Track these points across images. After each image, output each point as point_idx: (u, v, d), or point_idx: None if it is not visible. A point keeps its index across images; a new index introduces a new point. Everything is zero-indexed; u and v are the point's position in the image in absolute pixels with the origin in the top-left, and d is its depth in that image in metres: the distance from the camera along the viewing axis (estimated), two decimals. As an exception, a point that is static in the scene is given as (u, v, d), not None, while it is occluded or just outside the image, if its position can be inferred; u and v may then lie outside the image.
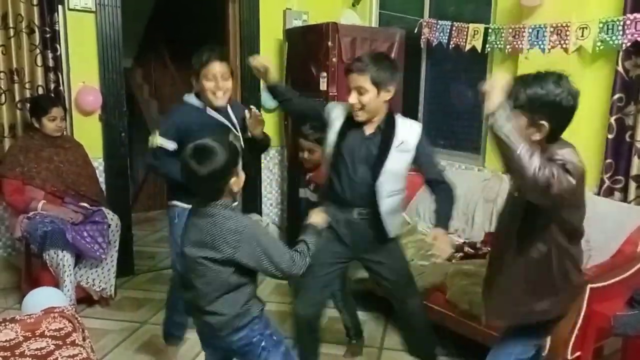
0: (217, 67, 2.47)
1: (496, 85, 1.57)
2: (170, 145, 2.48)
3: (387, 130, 2.25)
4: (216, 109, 2.56)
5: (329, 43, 3.83)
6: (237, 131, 2.62)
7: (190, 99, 2.60)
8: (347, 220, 2.35)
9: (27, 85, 3.51)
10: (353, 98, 2.19)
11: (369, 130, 2.28)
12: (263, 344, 1.83)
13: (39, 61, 3.52)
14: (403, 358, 2.92)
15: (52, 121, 3.31)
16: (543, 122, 1.67)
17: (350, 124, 2.28)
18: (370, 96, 2.18)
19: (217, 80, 2.49)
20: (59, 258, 3.14)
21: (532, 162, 1.53)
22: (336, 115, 2.34)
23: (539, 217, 1.73)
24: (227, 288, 1.77)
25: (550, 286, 1.81)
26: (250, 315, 1.81)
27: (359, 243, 2.38)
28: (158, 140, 2.49)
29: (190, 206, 2.22)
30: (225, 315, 1.78)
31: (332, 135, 2.32)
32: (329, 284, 2.44)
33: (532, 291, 1.81)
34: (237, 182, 1.78)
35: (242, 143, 2.61)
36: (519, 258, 1.80)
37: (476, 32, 3.50)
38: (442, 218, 2.28)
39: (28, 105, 3.44)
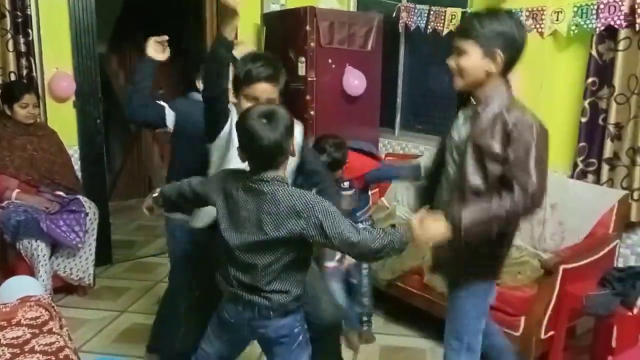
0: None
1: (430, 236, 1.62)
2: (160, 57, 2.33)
3: None
4: None
5: (307, 27, 3.80)
6: None
7: (195, 95, 2.51)
8: None
9: (-2, 72, 3.44)
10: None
11: None
12: (300, 338, 1.76)
13: (10, 46, 3.43)
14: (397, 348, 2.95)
15: (24, 108, 3.24)
16: (499, 51, 1.71)
17: None
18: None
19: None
20: (33, 248, 3.10)
21: (505, 203, 1.64)
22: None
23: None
24: (295, 265, 1.69)
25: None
26: (300, 301, 1.74)
27: None
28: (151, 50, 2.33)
29: (185, 218, 2.19)
30: (289, 293, 1.68)
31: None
32: None
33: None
34: (293, 150, 1.70)
35: None
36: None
37: (453, 17, 3.51)
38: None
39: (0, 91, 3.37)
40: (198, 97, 2.47)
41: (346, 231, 1.59)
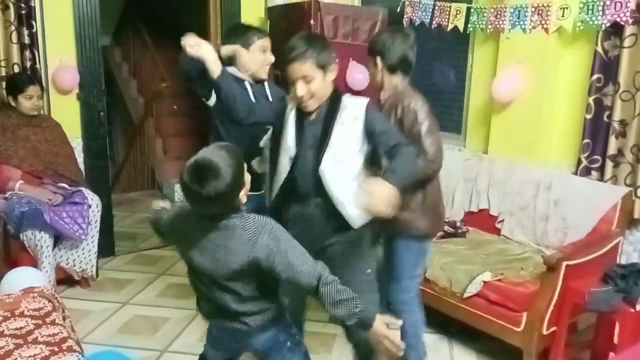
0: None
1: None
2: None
3: (330, 110, 2.02)
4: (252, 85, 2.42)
5: (311, 21, 3.79)
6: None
7: (230, 68, 2.37)
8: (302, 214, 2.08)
9: (2, 63, 3.43)
10: (301, 89, 1.93)
11: (314, 114, 2.04)
12: (288, 343, 1.77)
13: (14, 38, 3.43)
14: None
15: (29, 100, 3.25)
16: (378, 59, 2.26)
17: (300, 114, 2.06)
18: (318, 82, 1.95)
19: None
20: (36, 239, 3.10)
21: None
22: (290, 110, 2.10)
23: None
24: (265, 285, 1.67)
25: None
26: (275, 313, 1.74)
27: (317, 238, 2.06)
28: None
29: None
30: (264, 312, 1.70)
31: (290, 134, 2.07)
32: None
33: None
34: (245, 191, 1.62)
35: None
36: None
37: (458, 12, 3.49)
38: (393, 173, 1.84)
39: (4, 83, 3.37)
40: (234, 70, 2.41)
41: (298, 268, 1.57)
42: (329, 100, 2.02)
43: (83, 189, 3.42)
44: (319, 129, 2.00)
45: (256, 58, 2.44)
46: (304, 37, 2.02)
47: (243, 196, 1.62)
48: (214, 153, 1.55)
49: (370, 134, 1.98)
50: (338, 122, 1.98)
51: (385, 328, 1.60)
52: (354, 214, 1.96)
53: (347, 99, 2.05)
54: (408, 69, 2.28)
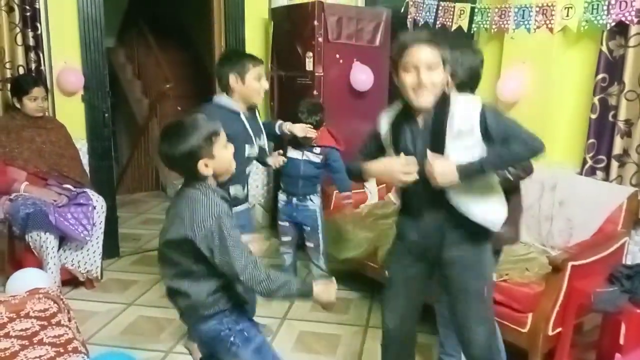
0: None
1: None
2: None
3: (438, 116, 1.82)
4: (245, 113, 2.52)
5: (315, 22, 3.80)
6: (259, 139, 2.59)
7: (223, 99, 2.49)
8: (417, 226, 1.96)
9: (7, 65, 3.44)
10: (426, 76, 1.75)
11: (420, 119, 1.86)
12: (232, 339, 1.77)
13: (19, 40, 3.44)
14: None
15: (34, 101, 3.26)
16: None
17: (400, 119, 1.91)
18: (441, 73, 1.78)
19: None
20: (42, 240, 3.11)
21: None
22: (384, 122, 1.98)
23: None
24: (191, 274, 1.73)
25: None
26: (217, 307, 1.76)
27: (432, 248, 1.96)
28: None
29: None
30: (191, 298, 1.74)
31: (386, 143, 1.96)
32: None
33: None
34: (211, 164, 1.69)
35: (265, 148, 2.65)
36: None
37: (462, 12, 3.49)
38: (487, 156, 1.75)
39: (9, 85, 3.38)
40: (219, 100, 2.50)
41: (235, 260, 1.63)
42: (436, 106, 1.82)
43: (88, 190, 3.43)
44: (427, 138, 1.83)
45: (252, 87, 2.48)
46: (427, 30, 2.01)
47: (206, 169, 1.69)
48: (189, 119, 1.71)
49: (492, 140, 1.78)
50: (450, 133, 1.79)
51: (325, 294, 1.74)
52: (491, 218, 1.86)
53: (455, 100, 1.82)
54: (476, 85, 2.11)
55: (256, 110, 2.65)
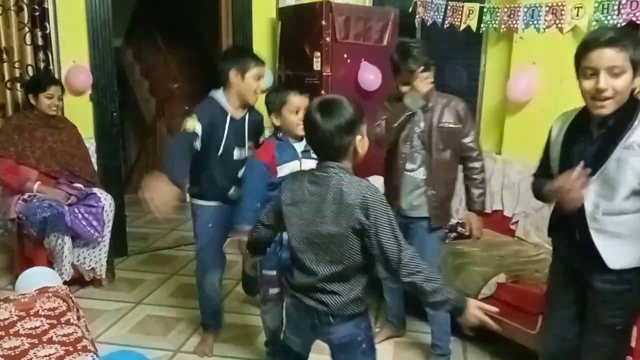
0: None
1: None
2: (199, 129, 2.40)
3: (617, 125, 1.64)
4: (233, 118, 2.50)
5: (323, 22, 3.79)
6: (243, 143, 2.57)
7: (217, 94, 2.52)
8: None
9: (16, 65, 3.46)
10: (605, 81, 1.58)
11: (595, 128, 1.70)
12: (364, 346, 1.67)
13: (28, 40, 3.46)
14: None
15: (50, 99, 3.27)
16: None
17: (574, 128, 1.78)
18: (627, 80, 1.59)
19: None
20: (58, 242, 3.15)
21: None
22: (556, 131, 1.88)
23: None
24: (352, 266, 1.59)
25: None
26: (363, 305, 1.65)
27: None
28: (197, 126, 2.39)
29: (208, 203, 2.53)
30: (343, 295, 1.60)
31: (554, 154, 1.85)
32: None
33: None
34: (363, 143, 1.61)
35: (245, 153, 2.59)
36: None
37: (471, 12, 3.47)
38: None
39: (25, 82, 3.40)
40: (214, 95, 2.51)
41: (390, 238, 1.51)
42: (617, 114, 1.64)
43: (97, 190, 3.44)
44: (595, 146, 1.68)
45: (250, 87, 2.47)
46: (616, 28, 1.83)
47: (361, 151, 1.61)
48: (338, 97, 1.61)
49: None
50: (622, 144, 1.62)
51: (480, 314, 1.59)
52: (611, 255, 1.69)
53: None
54: None
55: (247, 114, 2.58)
